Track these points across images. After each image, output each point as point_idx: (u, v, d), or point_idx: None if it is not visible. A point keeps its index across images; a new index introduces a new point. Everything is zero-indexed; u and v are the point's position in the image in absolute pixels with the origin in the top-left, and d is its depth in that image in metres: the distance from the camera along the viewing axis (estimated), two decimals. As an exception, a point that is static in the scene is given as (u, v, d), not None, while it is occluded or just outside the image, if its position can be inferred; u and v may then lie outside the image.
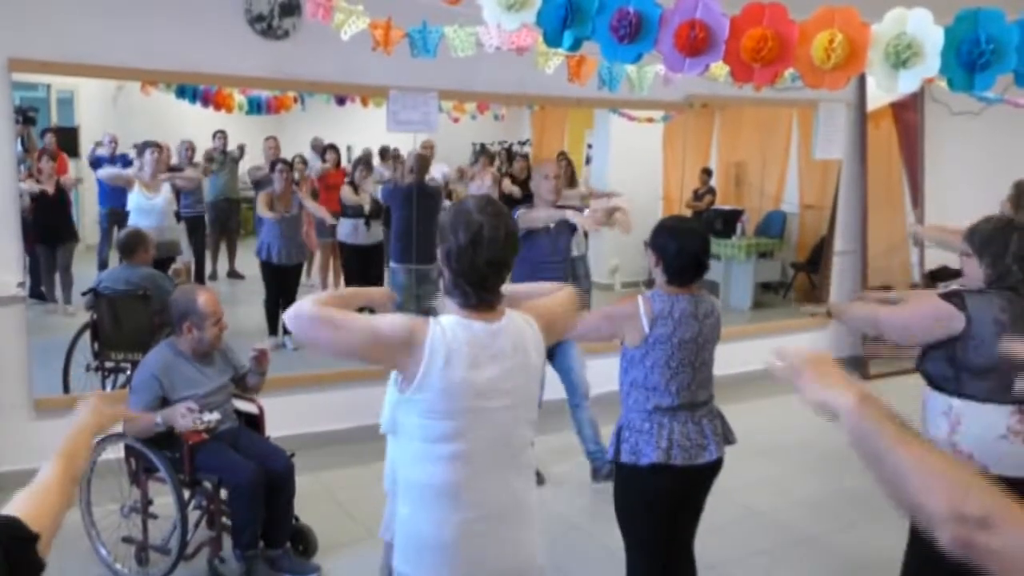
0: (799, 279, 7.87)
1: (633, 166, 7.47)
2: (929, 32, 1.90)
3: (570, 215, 3.96)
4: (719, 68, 3.14)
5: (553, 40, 2.23)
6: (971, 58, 1.88)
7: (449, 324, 1.78)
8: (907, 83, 1.96)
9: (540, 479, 4.31)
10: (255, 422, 3.53)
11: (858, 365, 6.10)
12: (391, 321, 1.75)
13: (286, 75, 4.34)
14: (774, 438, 4.91)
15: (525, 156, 7.45)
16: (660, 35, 2.13)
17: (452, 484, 1.79)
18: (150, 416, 3.08)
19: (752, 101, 5.89)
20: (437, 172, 6.25)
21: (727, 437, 2.73)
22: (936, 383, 2.51)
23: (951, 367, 2.46)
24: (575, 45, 2.21)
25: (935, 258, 5.99)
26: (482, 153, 7.26)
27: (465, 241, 1.74)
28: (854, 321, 2.77)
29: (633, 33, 2.12)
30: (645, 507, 2.62)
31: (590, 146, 7.85)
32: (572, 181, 6.21)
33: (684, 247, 2.54)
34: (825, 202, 6.72)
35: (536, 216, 4.01)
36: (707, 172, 8.40)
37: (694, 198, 8.31)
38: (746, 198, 8.38)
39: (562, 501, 4.07)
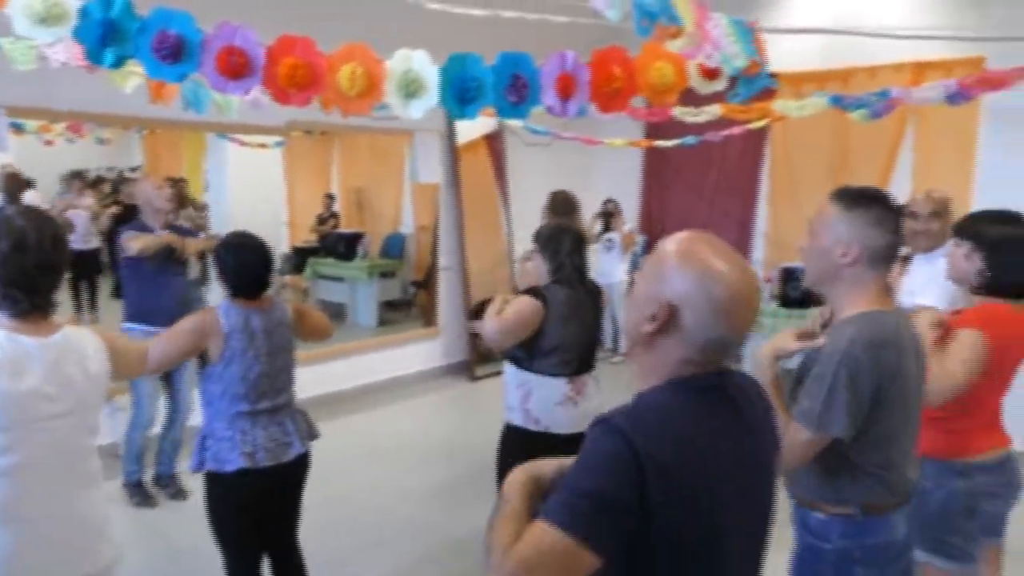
0: (420, 296, 8.48)
1: (254, 191, 7.45)
2: (428, 70, 2.31)
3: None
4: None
5: (95, 57, 2.25)
6: (461, 93, 2.32)
7: None
8: (417, 111, 2.34)
9: (182, 494, 4.25)
10: None
11: (466, 369, 6.77)
12: None
13: None
14: (390, 440, 5.30)
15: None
16: (203, 58, 2.28)
17: (5, 499, 1.75)
18: None
19: (358, 129, 6.28)
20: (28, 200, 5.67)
21: (311, 433, 2.88)
22: (514, 361, 3.02)
23: (525, 349, 2.96)
24: (117, 63, 2.26)
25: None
26: (76, 179, 6.71)
27: (8, 247, 1.75)
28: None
29: (175, 55, 2.24)
30: (236, 511, 2.70)
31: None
32: (184, 202, 6.05)
33: (243, 262, 2.64)
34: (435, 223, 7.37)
35: (145, 243, 3.97)
36: (330, 197, 8.68)
37: (318, 223, 8.54)
38: (368, 222, 8.81)
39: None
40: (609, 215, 6.83)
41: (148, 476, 4.29)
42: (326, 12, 4.68)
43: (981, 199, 4.57)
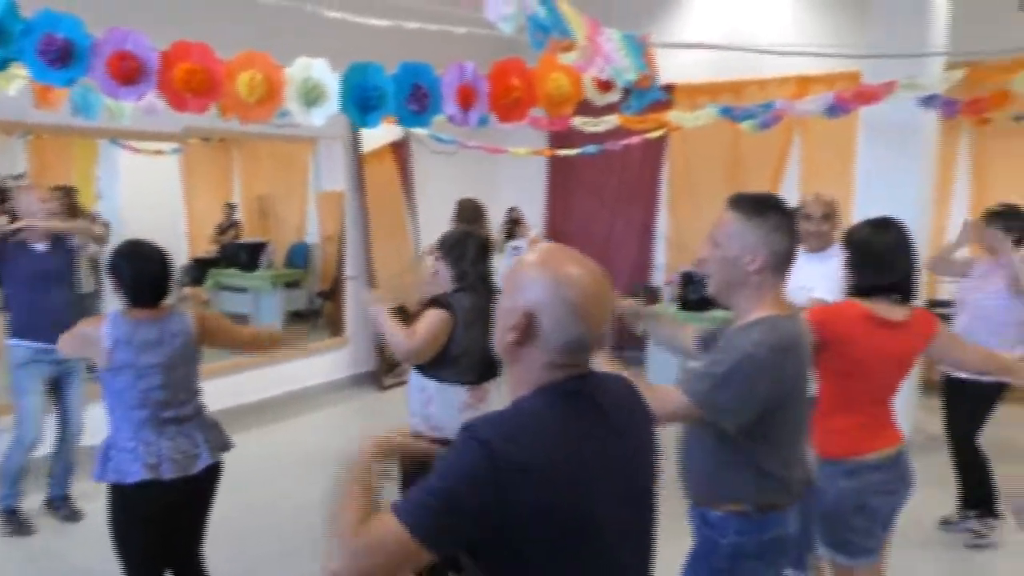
0: (326, 306, 8.35)
1: (149, 199, 7.19)
2: (328, 78, 2.32)
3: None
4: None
5: (-25, 59, 2.17)
6: (363, 101, 2.34)
7: None
8: (319, 118, 2.35)
9: (76, 515, 4.07)
10: None
11: (374, 379, 6.72)
12: None
13: None
14: (299, 450, 5.24)
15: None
16: (93, 63, 2.22)
17: None
18: None
19: (259, 136, 6.17)
20: None
21: (222, 444, 2.81)
22: (419, 368, 3.01)
23: (432, 356, 2.96)
24: (1, 65, 2.18)
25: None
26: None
27: None
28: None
29: (63, 58, 2.17)
30: (139, 524, 2.62)
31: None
32: (75, 212, 5.79)
33: (140, 271, 2.58)
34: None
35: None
36: (230, 206, 8.47)
37: (218, 232, 8.31)
38: (272, 230, 8.63)
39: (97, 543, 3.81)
40: (514, 222, 6.93)
41: (26, 502, 4.03)
42: (222, 19, 4.59)
43: (861, 206, 4.86)
